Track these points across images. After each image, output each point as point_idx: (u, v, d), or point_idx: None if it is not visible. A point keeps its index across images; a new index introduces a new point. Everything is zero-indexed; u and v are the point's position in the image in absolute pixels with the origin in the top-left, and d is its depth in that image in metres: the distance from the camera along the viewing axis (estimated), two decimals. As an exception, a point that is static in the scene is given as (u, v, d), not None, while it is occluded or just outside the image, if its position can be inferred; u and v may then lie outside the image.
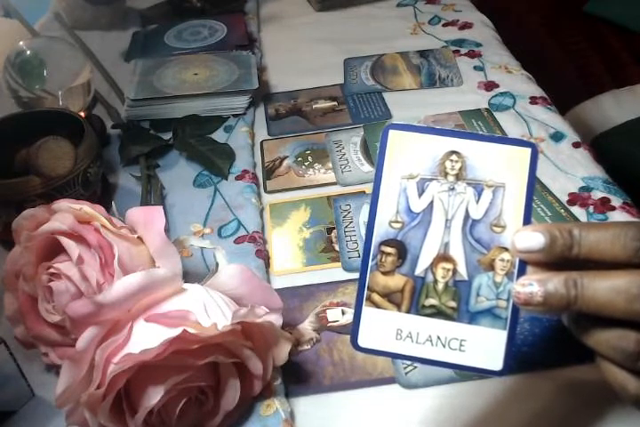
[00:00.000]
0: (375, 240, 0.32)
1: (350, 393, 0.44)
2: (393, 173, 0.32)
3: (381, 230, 0.32)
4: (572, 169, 0.59)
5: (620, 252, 0.28)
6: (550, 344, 0.44)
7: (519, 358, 0.44)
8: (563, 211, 0.54)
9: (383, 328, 0.31)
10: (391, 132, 0.32)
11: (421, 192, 0.32)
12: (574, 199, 0.55)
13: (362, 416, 0.42)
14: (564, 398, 0.42)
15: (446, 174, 0.32)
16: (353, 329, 0.31)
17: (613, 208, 0.54)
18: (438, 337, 0.31)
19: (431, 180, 0.32)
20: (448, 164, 0.32)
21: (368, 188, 0.60)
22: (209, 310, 0.39)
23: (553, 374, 0.43)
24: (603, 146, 0.81)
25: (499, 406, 0.42)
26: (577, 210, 0.54)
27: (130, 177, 0.64)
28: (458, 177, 0.32)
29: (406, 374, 0.44)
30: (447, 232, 0.31)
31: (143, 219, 0.44)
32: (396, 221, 0.32)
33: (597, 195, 0.55)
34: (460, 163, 0.32)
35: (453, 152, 0.32)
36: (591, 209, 0.54)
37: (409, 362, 0.43)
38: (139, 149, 0.65)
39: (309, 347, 0.47)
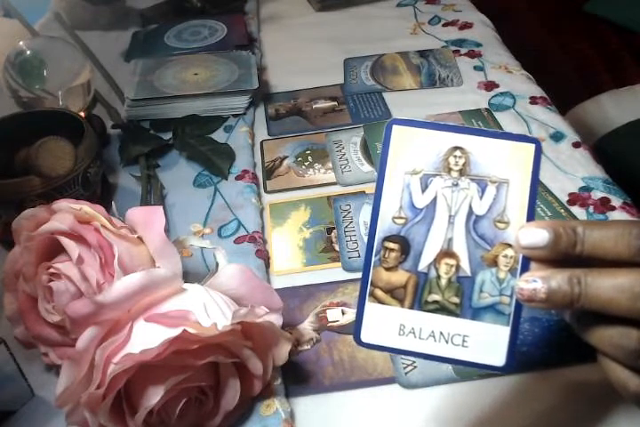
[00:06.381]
0: (378, 236, 0.31)
1: (350, 393, 0.44)
2: (396, 168, 0.32)
3: (385, 226, 0.31)
4: (572, 169, 0.59)
5: (624, 250, 0.28)
6: (551, 344, 0.44)
7: (520, 358, 0.44)
8: (563, 211, 0.54)
9: (386, 324, 0.31)
10: (395, 128, 0.32)
11: (425, 188, 0.31)
12: (574, 199, 0.55)
13: (362, 416, 0.42)
14: (564, 397, 0.42)
15: (450, 170, 0.31)
16: (356, 325, 0.31)
17: (613, 208, 0.54)
18: (441, 333, 0.31)
19: (435, 175, 0.32)
20: (452, 159, 0.31)
21: (368, 188, 0.60)
22: (209, 310, 0.39)
23: (553, 373, 0.43)
24: (604, 147, 0.81)
25: (499, 406, 0.42)
26: (577, 210, 0.54)
27: (130, 177, 0.64)
28: (461, 173, 0.31)
29: (406, 374, 0.44)
30: (450, 228, 0.31)
31: (143, 219, 0.44)
32: (400, 217, 0.31)
33: (597, 195, 0.55)
34: (463, 158, 0.31)
35: (457, 148, 0.31)
36: (591, 209, 0.54)
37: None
38: (139, 149, 0.65)
39: (309, 347, 0.47)
